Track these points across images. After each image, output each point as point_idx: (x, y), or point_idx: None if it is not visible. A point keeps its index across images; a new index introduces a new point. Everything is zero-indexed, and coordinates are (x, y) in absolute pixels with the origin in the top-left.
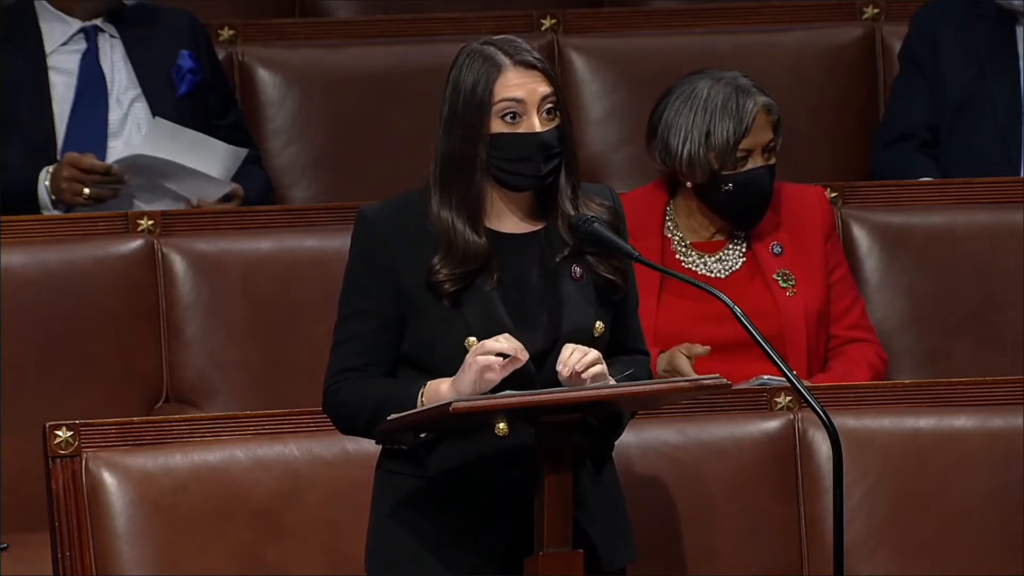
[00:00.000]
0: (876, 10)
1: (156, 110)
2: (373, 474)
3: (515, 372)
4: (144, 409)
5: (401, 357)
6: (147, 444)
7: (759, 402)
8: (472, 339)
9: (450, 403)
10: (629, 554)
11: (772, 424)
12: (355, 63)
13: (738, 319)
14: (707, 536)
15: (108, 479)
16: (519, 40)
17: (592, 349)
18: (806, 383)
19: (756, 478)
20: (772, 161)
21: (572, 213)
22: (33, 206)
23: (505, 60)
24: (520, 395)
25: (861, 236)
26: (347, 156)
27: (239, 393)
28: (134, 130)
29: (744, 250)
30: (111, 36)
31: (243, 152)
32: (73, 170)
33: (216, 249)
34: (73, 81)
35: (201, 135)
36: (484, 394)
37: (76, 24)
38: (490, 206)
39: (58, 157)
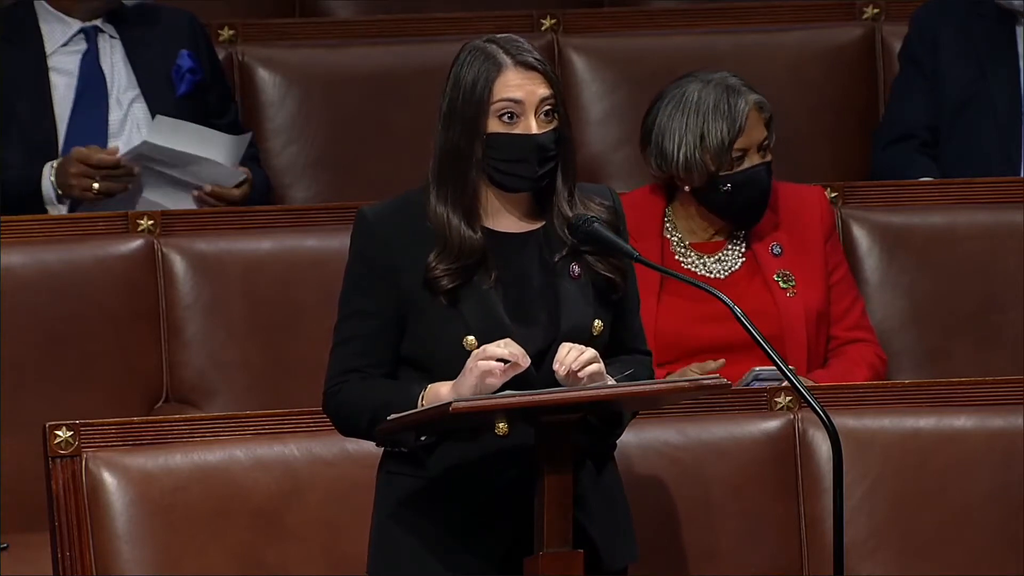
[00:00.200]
0: (876, 10)
1: (155, 110)
2: (373, 474)
3: None
4: (144, 409)
5: (401, 358)
6: (147, 444)
7: (759, 402)
8: (471, 338)
9: (450, 403)
10: (631, 554)
11: (772, 424)
12: (355, 63)
13: (738, 319)
14: (707, 536)
15: (108, 479)
16: (522, 40)
17: (588, 348)
18: (806, 382)
19: (756, 478)
20: (768, 158)
21: (569, 213)
22: (35, 204)
23: (506, 60)
24: (520, 395)
25: (861, 236)
26: (347, 156)
27: (239, 393)
28: (134, 130)
29: (743, 250)
30: (111, 36)
31: (247, 137)
32: (82, 166)
33: (216, 249)
34: (73, 82)
35: (202, 128)
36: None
37: (76, 25)
38: (487, 205)
39: (59, 158)
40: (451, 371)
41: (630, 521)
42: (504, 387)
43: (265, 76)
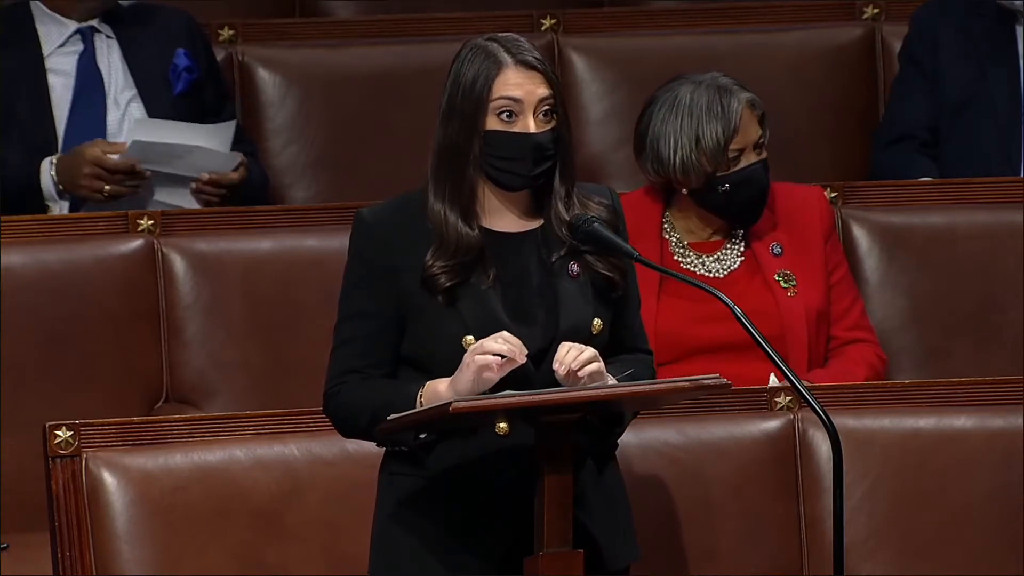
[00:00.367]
0: (876, 10)
1: (152, 109)
2: (373, 474)
3: (513, 370)
4: (144, 409)
5: (401, 358)
6: (147, 444)
7: (759, 402)
8: (469, 338)
9: (450, 403)
10: (633, 554)
11: (772, 424)
12: (355, 63)
13: (738, 319)
14: (707, 536)
15: (108, 479)
16: (523, 40)
17: (588, 347)
18: (805, 382)
19: (756, 478)
20: (764, 155)
21: (565, 212)
22: (35, 200)
23: (507, 58)
24: (520, 395)
25: (861, 236)
26: (347, 156)
27: (239, 393)
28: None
29: (742, 249)
30: (107, 37)
31: (231, 124)
32: (96, 168)
33: (216, 249)
34: (71, 82)
35: (183, 123)
36: (484, 394)
37: (72, 25)
38: (486, 204)
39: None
40: (451, 371)
41: (631, 521)
42: (504, 386)
43: (265, 76)
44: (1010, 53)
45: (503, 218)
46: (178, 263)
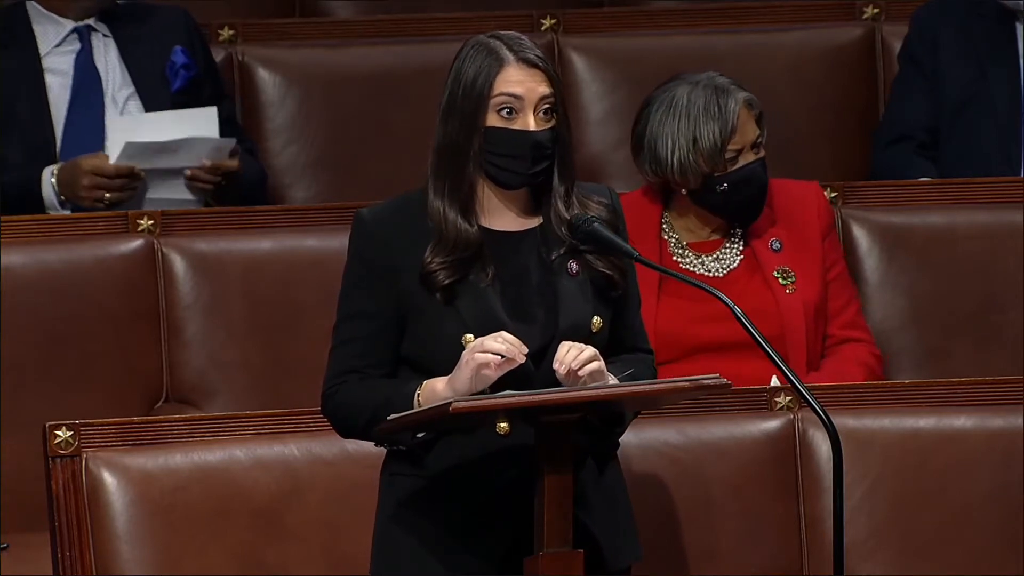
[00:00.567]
0: (876, 10)
1: (150, 107)
2: (373, 474)
3: (513, 369)
4: (144, 409)
5: (401, 358)
6: (147, 444)
7: (759, 402)
8: (469, 336)
9: (449, 403)
10: (634, 554)
11: (772, 424)
12: (355, 63)
13: (738, 319)
14: (707, 536)
15: (108, 479)
16: (525, 38)
17: (588, 346)
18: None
19: (756, 478)
20: (762, 154)
21: (565, 211)
22: (35, 205)
23: (509, 55)
24: (520, 395)
25: (861, 236)
26: (347, 156)
27: (239, 393)
28: None
29: (741, 248)
30: (104, 35)
31: (213, 110)
32: (96, 177)
33: (216, 249)
34: (68, 81)
35: (165, 112)
36: (484, 394)
37: (69, 25)
38: (485, 203)
39: (58, 158)
40: (450, 370)
41: (633, 520)
42: (504, 386)
43: (265, 76)
44: (1010, 53)
45: (502, 217)
46: (178, 263)
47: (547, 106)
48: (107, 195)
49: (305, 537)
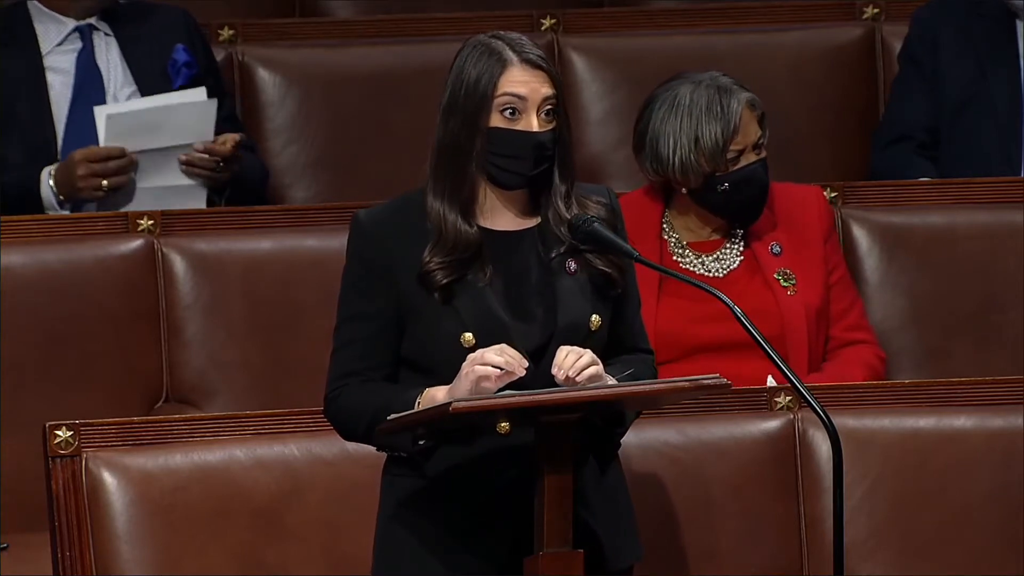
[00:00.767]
0: (876, 10)
1: None
2: (373, 474)
3: None
4: (144, 409)
5: (401, 359)
6: (147, 444)
7: (759, 402)
8: (468, 335)
9: (450, 403)
10: (636, 553)
11: (772, 424)
12: (355, 63)
13: (738, 319)
14: (707, 536)
15: (108, 479)
16: (526, 39)
17: (587, 350)
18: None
19: (756, 478)
20: (763, 155)
21: (565, 211)
22: (35, 205)
23: (512, 56)
24: (520, 395)
25: (861, 236)
26: (347, 156)
27: (239, 393)
28: None
29: (742, 248)
30: (106, 34)
31: (201, 88)
32: (90, 165)
33: (216, 249)
34: (70, 80)
35: (149, 97)
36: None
37: (70, 24)
38: (484, 203)
39: (59, 157)
40: (450, 370)
41: (634, 520)
42: (504, 385)
43: (265, 76)
44: (1010, 53)
45: (501, 217)
46: (178, 263)
47: (549, 107)
48: (104, 182)
49: (305, 537)
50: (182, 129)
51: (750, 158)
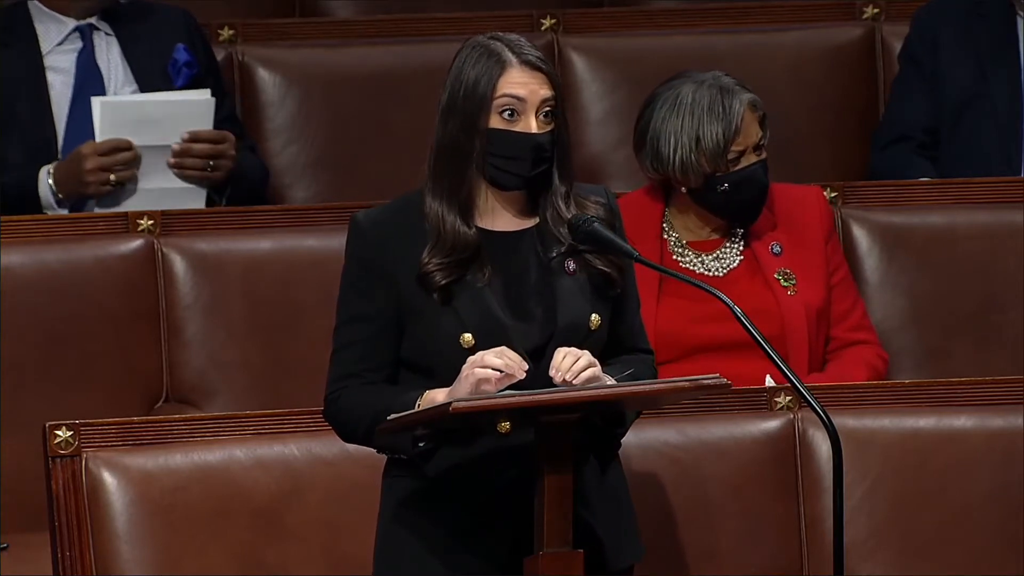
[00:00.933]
0: (876, 10)
1: None
2: (373, 474)
3: None
4: (144, 409)
5: (401, 360)
6: (147, 444)
7: (759, 402)
8: (467, 336)
9: (450, 403)
10: (636, 553)
11: (772, 424)
12: (355, 63)
13: (738, 319)
14: (707, 536)
15: (108, 479)
16: (524, 40)
17: (585, 352)
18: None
19: (756, 478)
20: (763, 156)
21: (565, 211)
22: (35, 205)
23: (511, 58)
24: (520, 395)
25: (861, 236)
26: (347, 156)
27: (239, 393)
28: None
29: (741, 248)
30: (106, 34)
31: (204, 91)
32: (99, 159)
33: (216, 249)
34: (71, 80)
35: (149, 94)
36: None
37: (71, 23)
38: (483, 204)
39: (59, 157)
40: (449, 370)
41: (635, 520)
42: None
43: (265, 76)
44: (1011, 53)
45: (499, 217)
46: (178, 263)
47: (548, 109)
48: (111, 176)
49: (305, 537)
50: (180, 127)
51: (751, 159)
